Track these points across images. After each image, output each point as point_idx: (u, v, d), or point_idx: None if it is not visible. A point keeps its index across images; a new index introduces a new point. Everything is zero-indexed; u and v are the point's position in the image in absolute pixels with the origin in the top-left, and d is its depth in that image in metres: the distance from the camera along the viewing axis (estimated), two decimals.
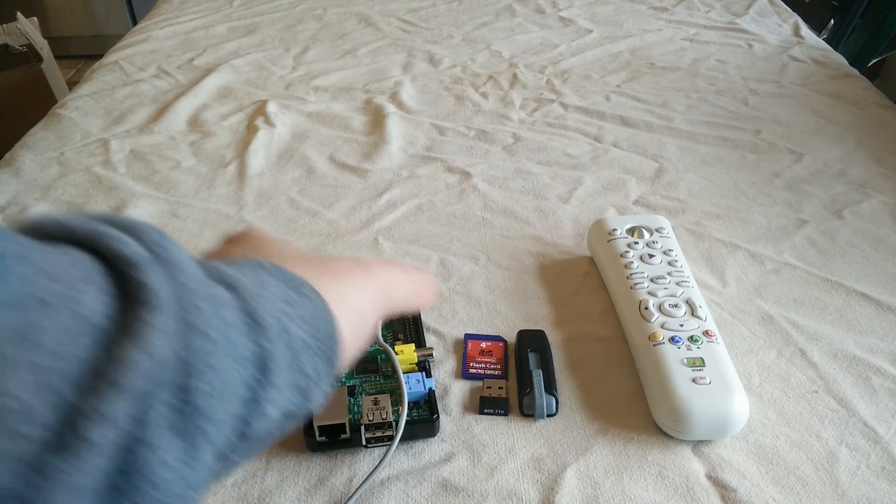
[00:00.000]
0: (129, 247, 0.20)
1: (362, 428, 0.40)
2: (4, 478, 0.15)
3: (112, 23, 2.61)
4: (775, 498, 0.39)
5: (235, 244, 0.34)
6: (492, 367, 0.47)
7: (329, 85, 0.89)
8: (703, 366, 0.42)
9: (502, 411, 0.44)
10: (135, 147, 0.75)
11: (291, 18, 1.11)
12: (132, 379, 0.17)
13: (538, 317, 0.52)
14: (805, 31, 1.04)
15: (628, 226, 0.54)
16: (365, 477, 0.39)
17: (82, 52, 2.65)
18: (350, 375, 0.44)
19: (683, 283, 0.48)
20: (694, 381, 0.41)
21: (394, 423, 0.41)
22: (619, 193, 0.66)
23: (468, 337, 0.49)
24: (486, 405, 0.44)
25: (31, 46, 1.82)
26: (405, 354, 0.44)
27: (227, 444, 0.21)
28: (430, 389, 0.43)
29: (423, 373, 0.43)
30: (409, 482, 0.40)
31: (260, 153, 0.73)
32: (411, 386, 0.42)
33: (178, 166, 0.72)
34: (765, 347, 0.49)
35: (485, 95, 0.86)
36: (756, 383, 0.46)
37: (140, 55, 0.99)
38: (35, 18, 2.00)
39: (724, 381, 0.41)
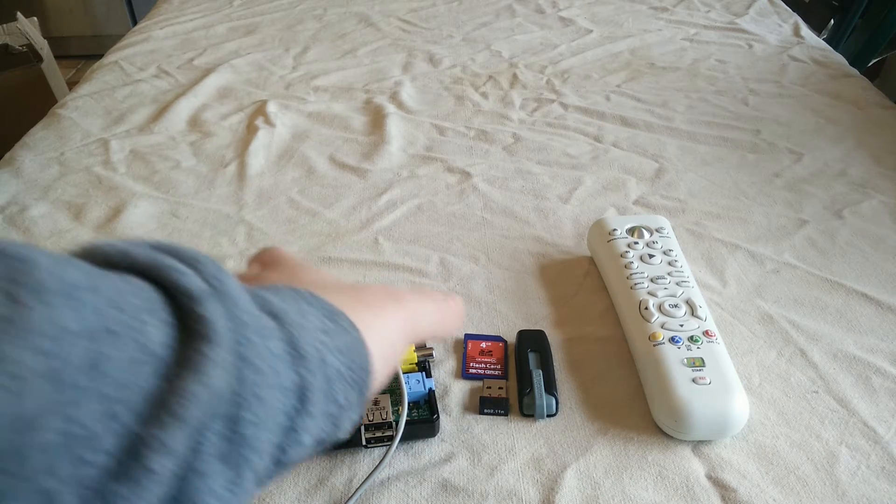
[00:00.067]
0: (189, 279, 0.21)
1: (362, 428, 0.40)
2: (70, 502, 0.16)
3: (112, 23, 2.61)
4: (775, 498, 0.39)
5: (267, 267, 0.34)
6: (492, 367, 0.47)
7: (329, 85, 0.89)
8: (703, 366, 0.42)
9: (502, 411, 0.44)
10: (135, 147, 0.75)
11: (291, 18, 1.11)
12: (191, 410, 0.18)
13: (538, 317, 0.52)
14: (805, 31, 1.04)
15: (628, 226, 0.54)
16: (365, 477, 0.39)
17: (82, 52, 2.65)
18: None
19: (683, 283, 0.48)
20: (694, 381, 0.41)
21: (394, 423, 0.41)
22: (619, 193, 0.66)
23: (468, 337, 0.49)
24: (486, 405, 0.44)
25: (31, 46, 1.82)
26: (405, 354, 0.44)
27: (265, 470, 0.21)
28: (430, 389, 0.43)
29: (423, 373, 0.43)
30: (409, 482, 0.40)
31: (260, 153, 0.73)
32: (411, 386, 0.42)
33: (178, 166, 0.72)
34: (765, 347, 0.49)
35: (485, 95, 0.86)
36: (756, 383, 0.46)
37: (140, 55, 0.99)
38: (35, 18, 2.00)
39: (724, 382, 0.41)
